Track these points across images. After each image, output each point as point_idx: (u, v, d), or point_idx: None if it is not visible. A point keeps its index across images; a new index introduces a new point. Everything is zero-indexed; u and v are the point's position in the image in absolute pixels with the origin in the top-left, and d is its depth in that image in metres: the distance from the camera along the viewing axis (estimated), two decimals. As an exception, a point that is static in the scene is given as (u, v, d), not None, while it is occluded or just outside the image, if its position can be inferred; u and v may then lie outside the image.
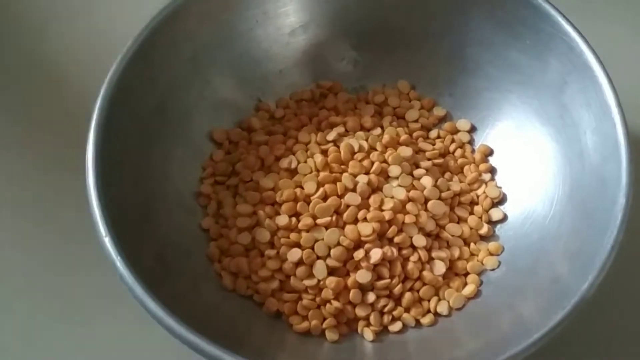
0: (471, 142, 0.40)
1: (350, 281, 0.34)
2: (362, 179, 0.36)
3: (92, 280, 0.37)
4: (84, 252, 0.38)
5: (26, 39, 0.46)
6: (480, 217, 0.38)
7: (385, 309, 0.35)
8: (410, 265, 0.35)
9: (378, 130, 0.39)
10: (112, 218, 0.30)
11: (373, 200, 0.36)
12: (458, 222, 0.37)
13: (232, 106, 0.40)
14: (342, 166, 0.37)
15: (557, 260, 0.33)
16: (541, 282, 0.33)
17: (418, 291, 0.35)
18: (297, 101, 0.42)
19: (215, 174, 0.38)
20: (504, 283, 0.35)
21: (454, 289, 0.36)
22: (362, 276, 0.34)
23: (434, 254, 0.36)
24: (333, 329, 0.34)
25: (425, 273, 0.35)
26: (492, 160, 0.40)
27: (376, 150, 0.38)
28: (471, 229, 0.37)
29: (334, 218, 0.35)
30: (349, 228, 0.35)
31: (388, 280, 0.34)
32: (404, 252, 0.35)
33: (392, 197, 0.36)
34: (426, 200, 0.37)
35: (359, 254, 0.34)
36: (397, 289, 0.35)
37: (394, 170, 0.37)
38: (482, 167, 0.39)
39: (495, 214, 0.38)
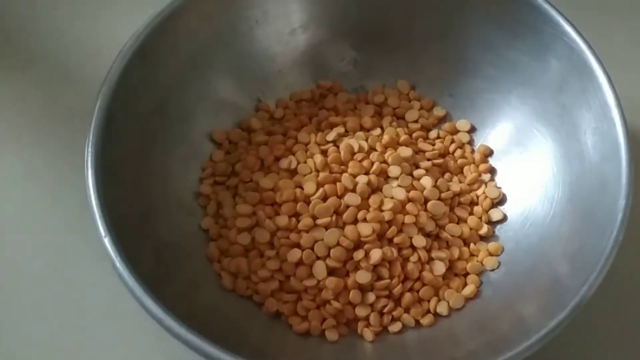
0: (471, 142, 0.40)
1: (350, 281, 0.34)
2: (362, 180, 0.36)
3: (92, 280, 0.37)
4: (83, 252, 0.38)
5: (26, 39, 0.46)
6: (480, 218, 0.38)
7: (385, 310, 0.35)
8: (410, 266, 0.35)
9: (378, 131, 0.39)
10: (112, 218, 0.30)
11: (373, 200, 0.36)
12: (458, 223, 0.37)
13: (232, 106, 0.40)
14: (342, 166, 0.37)
15: (557, 261, 0.33)
16: (541, 283, 0.33)
17: (418, 291, 0.35)
18: (297, 101, 0.41)
19: (215, 174, 0.38)
20: (503, 283, 0.35)
21: (454, 289, 0.36)
22: (362, 276, 0.34)
23: (433, 255, 0.36)
24: (333, 330, 0.34)
25: (425, 273, 0.35)
26: (492, 161, 0.40)
27: (376, 150, 0.38)
28: (471, 229, 0.37)
29: (333, 218, 0.35)
30: (348, 228, 0.35)
31: (388, 281, 0.34)
32: (404, 252, 0.35)
33: (392, 198, 0.36)
34: (426, 201, 0.37)
35: (358, 255, 0.34)
36: (396, 290, 0.35)
37: (394, 170, 0.37)
38: (482, 167, 0.39)
39: (495, 214, 0.38)
